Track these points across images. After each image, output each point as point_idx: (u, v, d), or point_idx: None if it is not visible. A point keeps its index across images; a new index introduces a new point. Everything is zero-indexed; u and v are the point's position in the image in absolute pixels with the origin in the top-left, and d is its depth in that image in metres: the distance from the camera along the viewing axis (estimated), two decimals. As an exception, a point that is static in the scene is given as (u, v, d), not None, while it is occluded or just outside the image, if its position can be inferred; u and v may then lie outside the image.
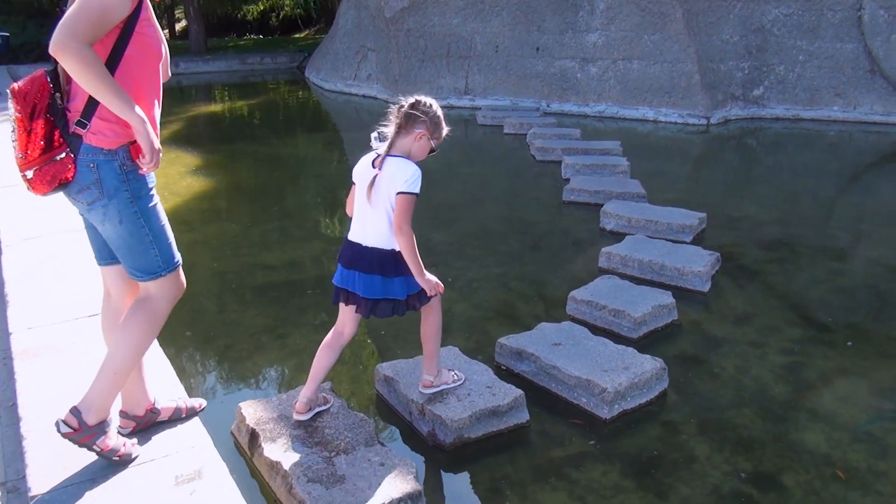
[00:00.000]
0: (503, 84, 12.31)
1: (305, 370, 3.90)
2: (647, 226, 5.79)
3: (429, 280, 3.03)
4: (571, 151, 8.38)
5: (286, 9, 27.61)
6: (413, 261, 2.98)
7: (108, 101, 2.28)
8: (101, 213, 2.44)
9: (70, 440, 2.52)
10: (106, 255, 2.67)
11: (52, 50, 2.19)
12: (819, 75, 11.05)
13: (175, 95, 17.06)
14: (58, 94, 2.38)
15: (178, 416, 2.97)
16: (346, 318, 3.17)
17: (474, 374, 3.49)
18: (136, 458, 2.67)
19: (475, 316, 4.55)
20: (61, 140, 2.35)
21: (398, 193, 2.92)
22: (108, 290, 2.75)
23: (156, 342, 3.59)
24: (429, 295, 3.07)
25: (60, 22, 2.21)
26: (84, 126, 2.36)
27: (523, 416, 3.33)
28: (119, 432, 2.79)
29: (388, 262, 3.01)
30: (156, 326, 2.61)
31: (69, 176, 2.37)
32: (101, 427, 2.55)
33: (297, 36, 27.51)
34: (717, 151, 10.00)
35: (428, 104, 3.02)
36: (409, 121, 2.99)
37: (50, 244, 4.91)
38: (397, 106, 3.05)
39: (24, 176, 2.37)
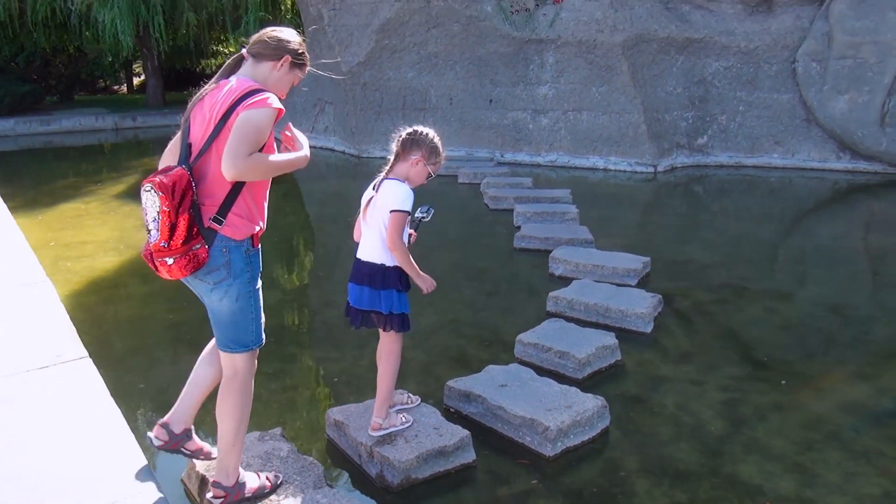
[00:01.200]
0: (458, 135, 12.61)
1: (259, 418, 3.96)
2: (594, 270, 5.99)
3: (425, 279, 3.35)
4: (523, 200, 8.62)
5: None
6: (409, 268, 3.30)
7: (285, 168, 2.75)
8: (223, 291, 2.76)
9: None
10: None
11: (229, 177, 2.61)
12: (759, 124, 11.54)
13: (132, 149, 17.08)
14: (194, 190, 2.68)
15: (197, 456, 3.17)
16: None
17: (422, 416, 3.59)
18: (280, 482, 3.06)
19: (426, 361, 4.65)
20: (197, 233, 2.65)
21: (390, 211, 3.21)
22: None
23: (107, 394, 3.65)
24: (424, 292, 3.36)
25: (226, 151, 2.58)
26: (220, 223, 2.69)
27: (469, 456, 3.43)
28: (152, 441, 3.05)
29: (376, 275, 3.32)
30: (248, 398, 2.93)
31: (202, 263, 2.67)
32: (239, 482, 2.93)
33: (256, 89, 27.73)
34: (665, 198, 10.34)
35: (424, 132, 3.34)
36: (405, 147, 3.32)
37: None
38: (397, 135, 3.36)
39: (164, 262, 2.64)
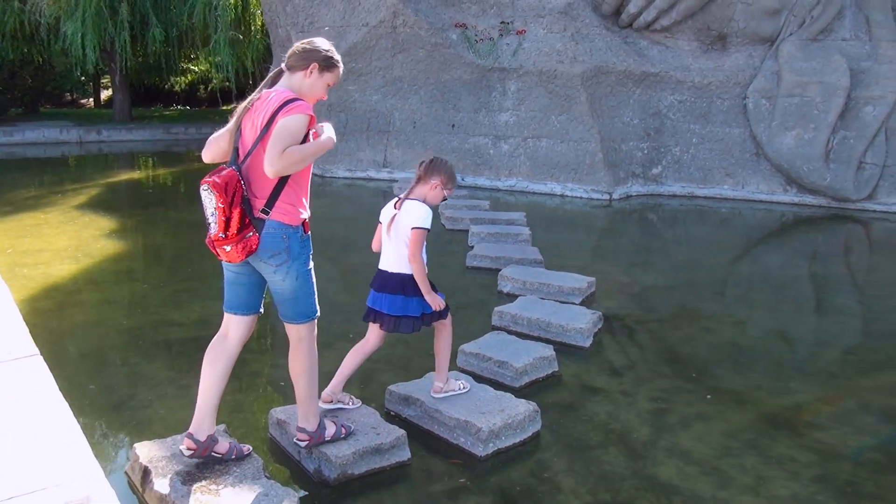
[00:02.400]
0: (420, 158, 12.79)
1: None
2: (540, 288, 6.21)
3: (434, 297, 3.75)
4: (478, 221, 8.85)
5: (214, 81, 27.98)
6: (422, 282, 3.72)
7: (315, 152, 3.09)
8: (284, 271, 3.17)
9: (311, 447, 3.44)
10: (243, 307, 3.35)
11: (270, 175, 3.00)
12: (711, 157, 11.98)
13: (97, 162, 17.05)
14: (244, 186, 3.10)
15: (230, 457, 3.33)
16: (373, 333, 3.92)
17: (362, 416, 3.75)
18: (354, 430, 3.57)
19: (372, 368, 4.80)
20: (249, 222, 3.06)
21: (412, 228, 3.59)
22: (228, 333, 3.39)
23: (56, 388, 3.74)
24: (433, 309, 3.76)
25: (266, 155, 2.99)
26: (267, 213, 3.11)
27: (405, 455, 3.59)
28: (182, 452, 3.23)
29: (407, 284, 3.75)
30: (315, 358, 3.39)
31: (254, 248, 3.08)
32: (321, 426, 3.46)
33: (224, 108, 27.81)
34: (618, 224, 10.66)
35: (444, 161, 3.84)
36: (428, 173, 3.77)
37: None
38: (420, 161, 3.83)
39: (223, 249, 3.09)
